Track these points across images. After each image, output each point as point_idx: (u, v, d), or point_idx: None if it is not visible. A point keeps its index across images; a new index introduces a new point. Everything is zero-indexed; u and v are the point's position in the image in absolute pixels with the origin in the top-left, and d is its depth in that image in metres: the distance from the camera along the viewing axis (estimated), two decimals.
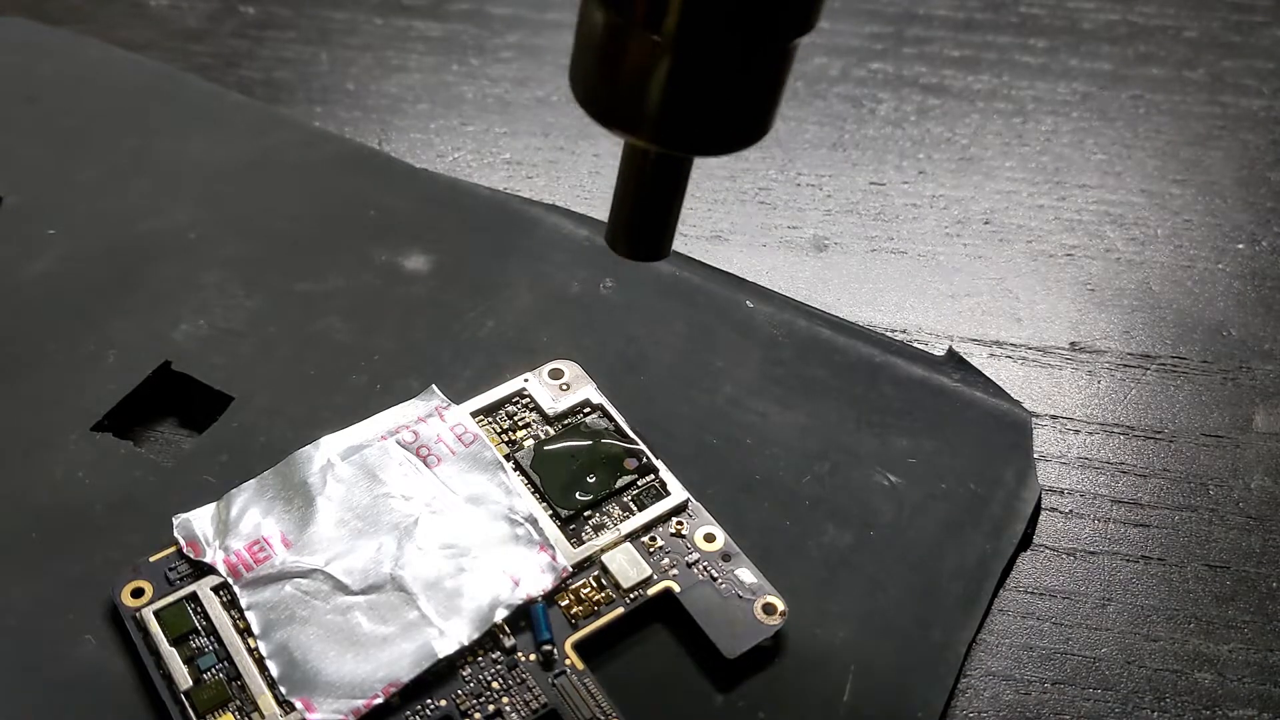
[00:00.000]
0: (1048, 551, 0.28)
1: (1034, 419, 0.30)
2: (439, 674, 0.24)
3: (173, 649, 0.24)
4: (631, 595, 0.25)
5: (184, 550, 0.25)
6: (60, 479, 0.27)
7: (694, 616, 0.25)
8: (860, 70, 0.41)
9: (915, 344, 0.32)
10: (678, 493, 0.27)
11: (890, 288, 0.34)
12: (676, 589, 0.25)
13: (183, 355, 0.30)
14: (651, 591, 0.25)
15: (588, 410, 0.28)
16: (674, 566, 0.26)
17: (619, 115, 0.20)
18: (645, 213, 0.22)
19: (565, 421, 0.28)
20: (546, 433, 0.28)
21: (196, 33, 0.41)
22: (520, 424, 0.28)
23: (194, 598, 0.25)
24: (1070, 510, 0.29)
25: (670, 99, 0.20)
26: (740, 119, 0.20)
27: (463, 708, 0.23)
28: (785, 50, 0.20)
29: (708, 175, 0.37)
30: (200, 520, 0.26)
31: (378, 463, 0.27)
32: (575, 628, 0.25)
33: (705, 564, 0.26)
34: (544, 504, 0.26)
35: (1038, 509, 0.28)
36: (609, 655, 0.25)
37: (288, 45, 0.41)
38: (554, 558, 0.25)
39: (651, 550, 0.26)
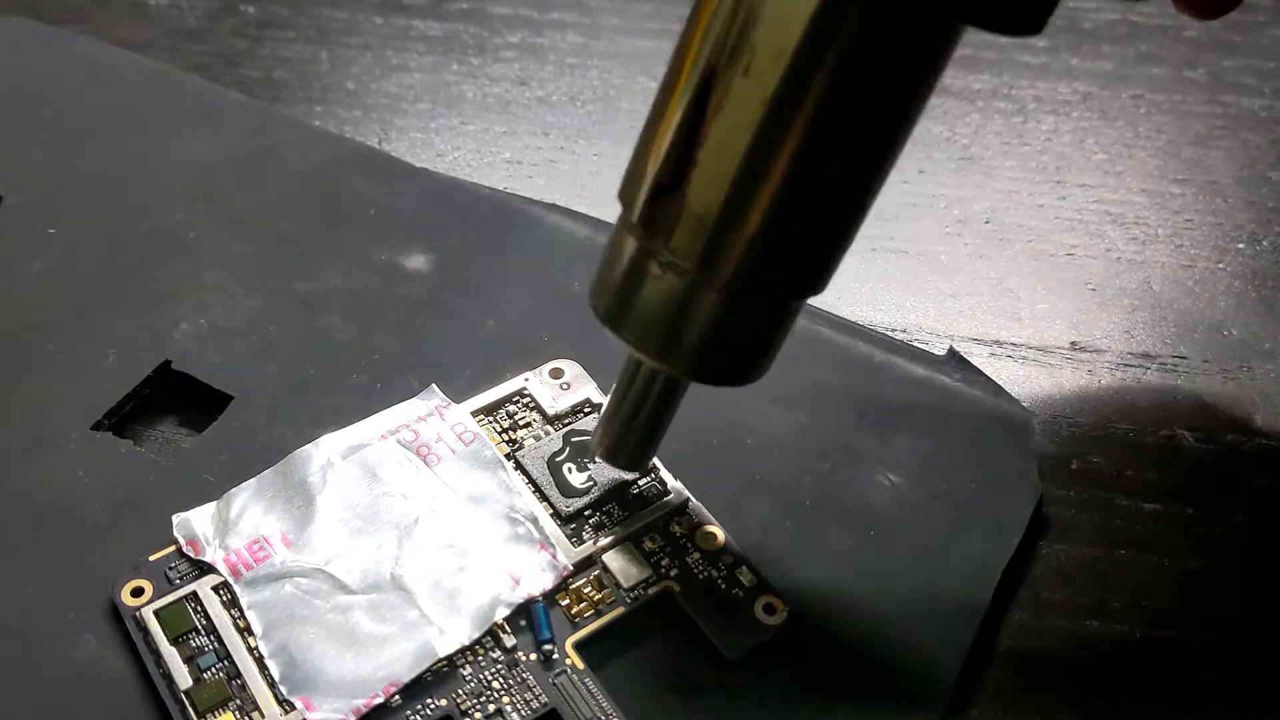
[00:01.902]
0: (1048, 551, 0.28)
1: (1034, 418, 0.30)
2: (439, 673, 0.24)
3: (173, 648, 0.24)
4: (632, 595, 0.25)
5: (184, 549, 0.25)
6: (60, 478, 0.27)
7: (694, 616, 0.25)
8: None
9: (916, 343, 0.32)
10: (678, 492, 0.27)
11: (891, 287, 0.34)
12: (677, 588, 0.25)
13: (183, 354, 0.30)
14: (652, 591, 0.25)
15: (588, 410, 0.28)
16: (674, 566, 0.26)
17: (649, 341, 0.22)
18: (642, 429, 0.24)
19: (572, 432, 0.28)
20: (547, 432, 0.28)
21: (196, 32, 0.41)
22: (520, 423, 0.28)
23: (194, 597, 0.25)
24: (1070, 510, 0.29)
25: (710, 340, 0.21)
26: (758, 361, 0.23)
27: (463, 707, 0.23)
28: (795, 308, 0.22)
29: None
30: (200, 519, 0.26)
31: (378, 462, 0.27)
32: (576, 627, 0.25)
33: (705, 563, 0.26)
34: (544, 503, 0.26)
35: (1038, 509, 0.28)
36: (609, 655, 0.25)
37: (287, 44, 0.41)
38: (554, 557, 0.25)
39: (652, 550, 0.26)
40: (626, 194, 0.21)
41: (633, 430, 0.24)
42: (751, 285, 0.20)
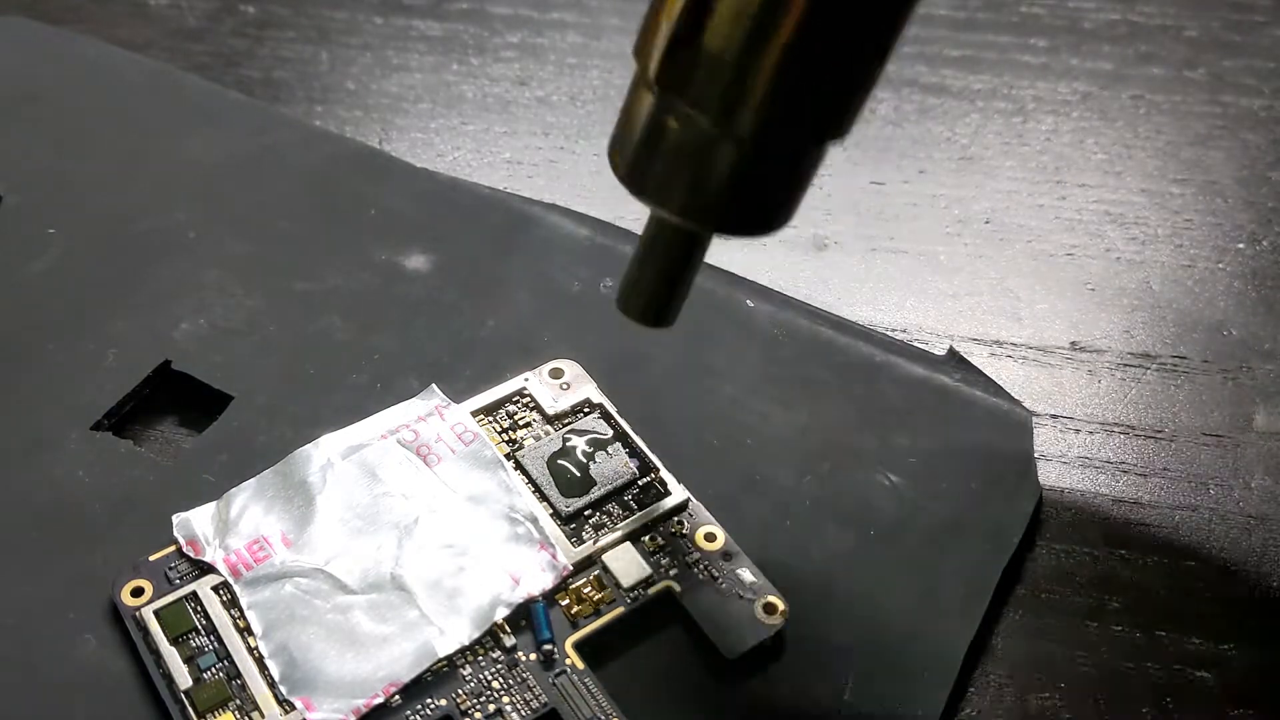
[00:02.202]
0: (1048, 551, 0.28)
1: (1034, 418, 0.30)
2: (439, 673, 0.24)
3: (173, 648, 0.24)
4: (632, 595, 0.25)
5: (184, 549, 0.25)
6: (60, 478, 0.27)
7: (694, 616, 0.25)
8: None
9: (916, 343, 0.32)
10: (678, 492, 0.27)
11: (890, 287, 0.34)
12: (677, 588, 0.25)
13: (182, 354, 0.30)
14: (652, 591, 0.25)
15: (588, 410, 0.28)
16: (674, 566, 0.26)
17: (671, 196, 0.21)
18: (666, 283, 0.23)
19: (570, 434, 0.28)
20: (547, 432, 0.28)
21: (196, 32, 0.41)
22: (520, 423, 0.28)
23: (194, 597, 0.25)
24: (1070, 510, 0.29)
25: (733, 189, 0.21)
26: (782, 207, 0.22)
27: (463, 707, 0.23)
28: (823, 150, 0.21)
29: None
30: (200, 519, 0.26)
31: (378, 462, 0.27)
32: (576, 627, 0.25)
33: (705, 563, 0.26)
34: (544, 503, 0.26)
35: (1038, 509, 0.28)
36: (609, 655, 0.25)
37: (287, 44, 0.41)
38: (554, 556, 0.25)
39: (652, 550, 0.26)
40: (642, 50, 0.21)
41: (659, 284, 0.24)
42: (773, 131, 0.20)
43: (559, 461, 0.27)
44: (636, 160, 0.21)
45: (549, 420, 0.28)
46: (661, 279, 0.23)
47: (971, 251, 0.35)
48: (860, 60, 0.20)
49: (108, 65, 0.38)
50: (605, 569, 0.25)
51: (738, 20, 0.19)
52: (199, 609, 0.24)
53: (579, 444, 0.27)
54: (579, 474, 0.27)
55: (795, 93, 0.20)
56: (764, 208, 0.22)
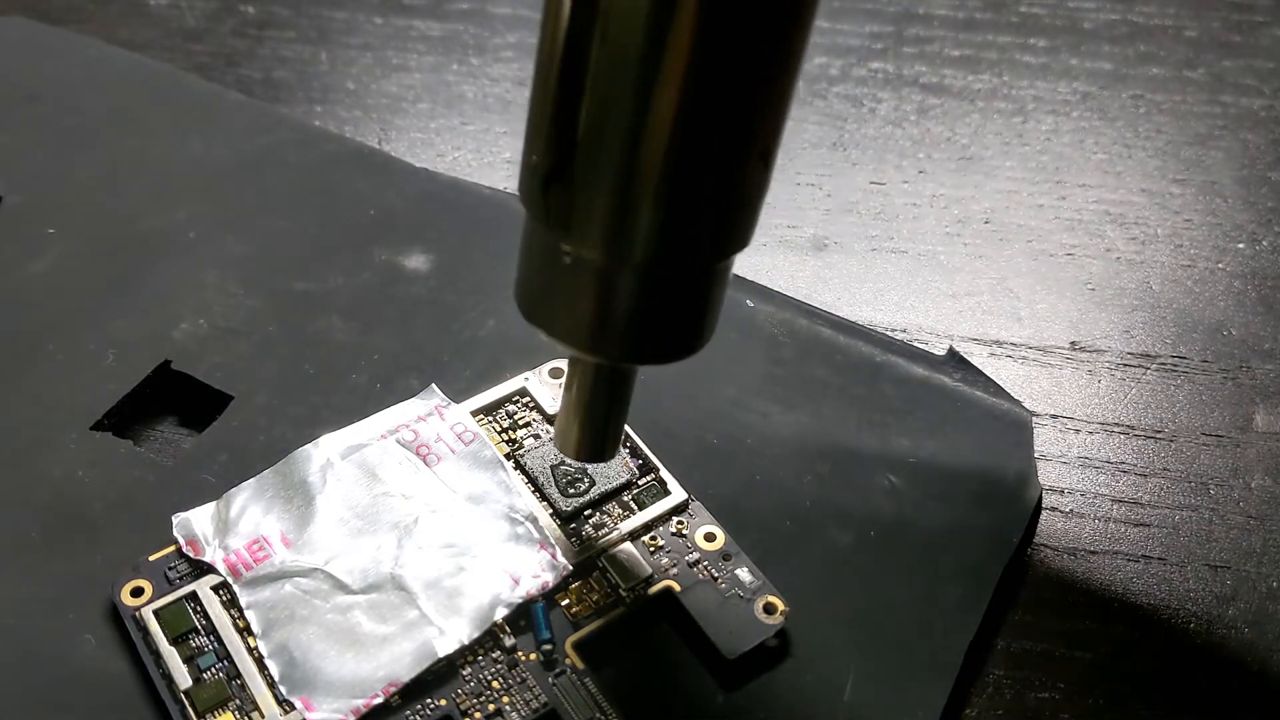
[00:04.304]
0: (1048, 551, 0.28)
1: (1034, 418, 0.30)
2: (439, 673, 0.24)
3: (172, 648, 0.24)
4: (632, 595, 0.25)
5: (184, 549, 0.25)
6: (60, 479, 0.27)
7: (694, 616, 0.25)
8: (860, 70, 0.41)
9: (916, 343, 0.32)
10: (678, 492, 0.27)
11: (890, 287, 0.34)
12: (677, 588, 0.25)
13: (182, 354, 0.30)
14: (652, 591, 0.25)
15: None
16: (674, 566, 0.26)
17: (577, 334, 0.20)
18: (601, 419, 0.23)
19: None
20: (547, 432, 0.28)
21: (196, 32, 0.41)
22: (520, 423, 0.28)
23: (194, 597, 0.25)
24: (1070, 510, 0.29)
25: (640, 321, 0.20)
26: (699, 328, 0.21)
27: (463, 707, 0.23)
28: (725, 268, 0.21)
29: None
30: (200, 519, 0.26)
31: (377, 462, 0.27)
32: (575, 627, 0.25)
33: (705, 563, 0.26)
34: (544, 503, 0.26)
35: (1038, 509, 0.28)
36: (609, 655, 0.25)
37: (287, 45, 0.41)
38: (554, 556, 0.25)
39: (652, 550, 0.26)
40: (522, 191, 0.20)
41: (591, 423, 0.23)
42: (665, 258, 0.19)
43: (558, 461, 0.27)
44: (539, 299, 0.21)
45: (549, 420, 0.28)
46: (592, 416, 0.23)
47: (971, 251, 0.35)
48: (745, 172, 0.19)
49: (108, 65, 0.38)
50: (605, 569, 0.25)
51: (605, 153, 0.18)
52: (199, 609, 0.24)
53: None
54: (579, 474, 0.27)
55: (680, 217, 0.18)
56: (677, 335, 0.21)
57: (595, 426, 0.23)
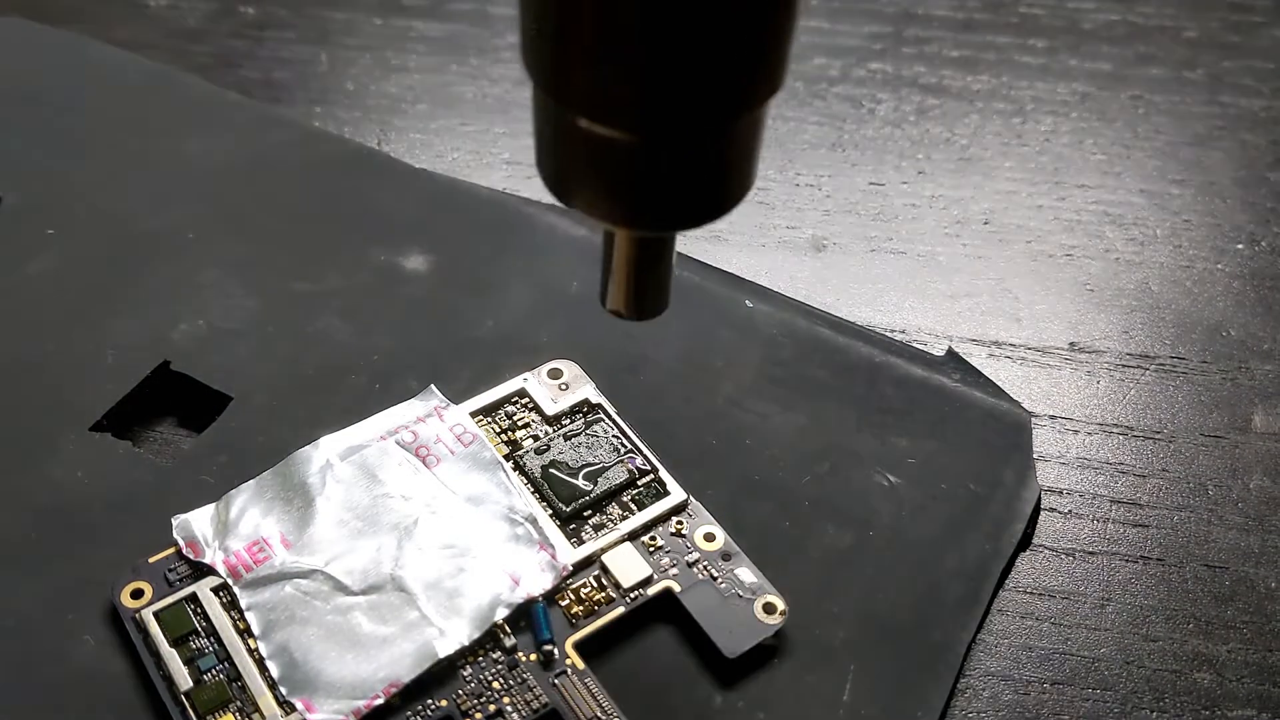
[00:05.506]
0: (1047, 551, 0.28)
1: (1033, 419, 0.30)
2: (439, 674, 0.24)
3: (173, 650, 0.24)
4: (632, 595, 0.25)
5: (183, 551, 0.25)
6: (59, 479, 0.27)
7: (694, 616, 0.25)
8: (859, 70, 0.41)
9: (915, 344, 0.32)
10: (677, 492, 0.27)
11: (890, 288, 0.34)
12: (677, 588, 0.25)
13: (181, 355, 0.30)
14: (652, 591, 0.25)
15: (586, 410, 0.28)
16: (674, 566, 0.26)
17: (599, 205, 0.19)
18: (648, 282, 0.22)
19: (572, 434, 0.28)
20: (546, 432, 0.28)
21: (196, 33, 0.41)
22: (519, 424, 0.28)
23: (194, 598, 0.25)
24: (1070, 510, 0.29)
25: (658, 187, 0.18)
26: (729, 186, 0.19)
27: (463, 708, 0.23)
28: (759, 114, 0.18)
29: None
30: (199, 521, 0.26)
31: (377, 463, 0.27)
32: (575, 627, 0.25)
33: (705, 563, 0.26)
34: (543, 503, 0.26)
35: (1037, 509, 0.28)
36: (609, 655, 0.25)
37: (287, 45, 0.41)
38: (554, 557, 0.25)
39: (651, 550, 0.26)
40: (524, 56, 0.18)
41: (633, 281, 0.21)
42: (677, 114, 0.17)
43: (558, 462, 0.27)
44: (557, 173, 0.19)
45: (548, 421, 0.28)
46: (631, 277, 0.21)
47: (970, 252, 0.35)
48: (745, 10, 0.16)
49: (108, 65, 0.38)
50: (605, 569, 0.25)
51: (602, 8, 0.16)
52: (199, 610, 0.24)
53: (578, 444, 0.27)
54: (578, 474, 0.27)
55: (682, 62, 0.16)
56: (705, 194, 0.19)
57: (639, 286, 0.22)
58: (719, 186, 0.19)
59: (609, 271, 0.21)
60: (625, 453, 0.27)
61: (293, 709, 0.23)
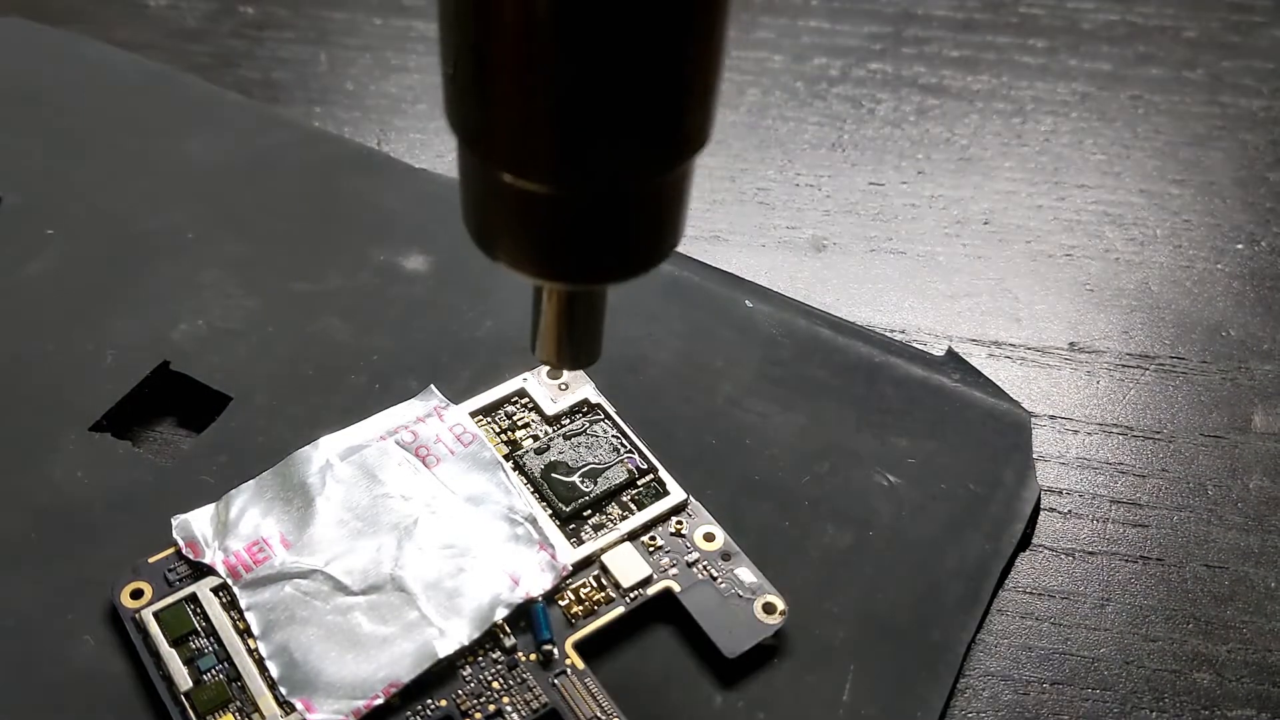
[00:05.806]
0: (1047, 552, 0.28)
1: (1033, 419, 0.30)
2: (439, 674, 0.24)
3: (173, 650, 0.24)
4: (631, 595, 0.25)
5: (183, 551, 0.25)
6: (59, 479, 0.27)
7: (694, 616, 0.25)
8: (859, 70, 0.41)
9: (915, 344, 0.32)
10: (677, 492, 0.27)
11: (889, 288, 0.34)
12: (676, 588, 0.25)
13: (181, 355, 0.30)
14: (651, 591, 0.25)
15: (586, 410, 0.28)
16: (674, 566, 0.26)
17: (523, 260, 0.19)
18: (578, 333, 0.21)
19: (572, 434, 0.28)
20: (546, 433, 0.28)
21: (195, 33, 0.41)
22: (519, 424, 0.28)
23: (193, 599, 0.25)
24: (1069, 510, 0.29)
25: (584, 240, 0.18)
26: (655, 239, 0.19)
27: (463, 708, 0.23)
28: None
29: (707, 175, 0.37)
30: (199, 521, 0.26)
31: (377, 463, 0.27)
32: (575, 627, 0.25)
33: (705, 563, 0.26)
34: (543, 503, 0.26)
35: (1037, 509, 0.28)
36: (609, 655, 0.25)
37: (286, 45, 0.41)
38: (554, 557, 0.25)
39: (651, 550, 0.26)
40: (446, 109, 0.18)
41: (565, 335, 0.21)
42: (594, 168, 0.16)
43: (557, 462, 0.27)
44: (480, 226, 0.19)
45: (548, 421, 0.28)
46: (560, 329, 0.21)
47: (970, 252, 0.35)
48: (659, 63, 0.16)
49: (108, 65, 0.38)
50: (605, 569, 0.25)
51: (511, 67, 0.15)
52: (199, 611, 0.24)
53: (578, 444, 0.27)
54: (578, 474, 0.27)
55: (602, 117, 0.16)
56: (630, 248, 0.18)
57: (569, 339, 0.21)
58: (644, 241, 0.18)
59: (536, 324, 0.21)
60: (625, 453, 0.27)
61: (292, 709, 0.23)
